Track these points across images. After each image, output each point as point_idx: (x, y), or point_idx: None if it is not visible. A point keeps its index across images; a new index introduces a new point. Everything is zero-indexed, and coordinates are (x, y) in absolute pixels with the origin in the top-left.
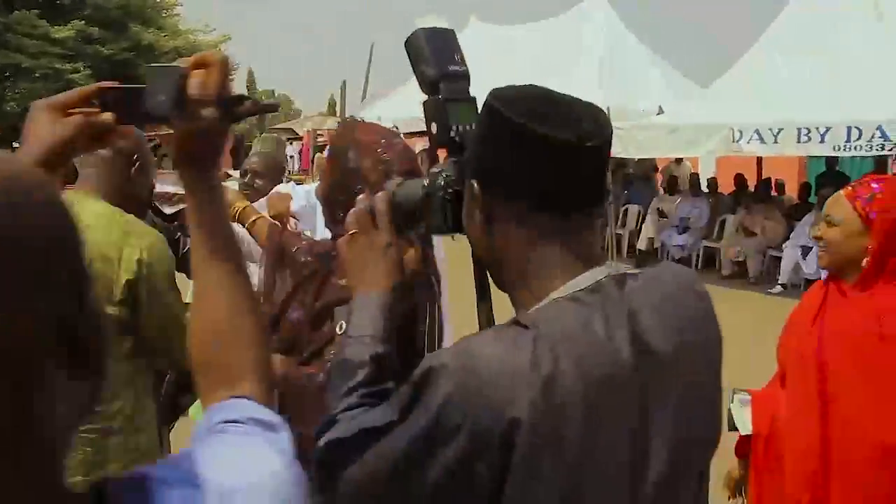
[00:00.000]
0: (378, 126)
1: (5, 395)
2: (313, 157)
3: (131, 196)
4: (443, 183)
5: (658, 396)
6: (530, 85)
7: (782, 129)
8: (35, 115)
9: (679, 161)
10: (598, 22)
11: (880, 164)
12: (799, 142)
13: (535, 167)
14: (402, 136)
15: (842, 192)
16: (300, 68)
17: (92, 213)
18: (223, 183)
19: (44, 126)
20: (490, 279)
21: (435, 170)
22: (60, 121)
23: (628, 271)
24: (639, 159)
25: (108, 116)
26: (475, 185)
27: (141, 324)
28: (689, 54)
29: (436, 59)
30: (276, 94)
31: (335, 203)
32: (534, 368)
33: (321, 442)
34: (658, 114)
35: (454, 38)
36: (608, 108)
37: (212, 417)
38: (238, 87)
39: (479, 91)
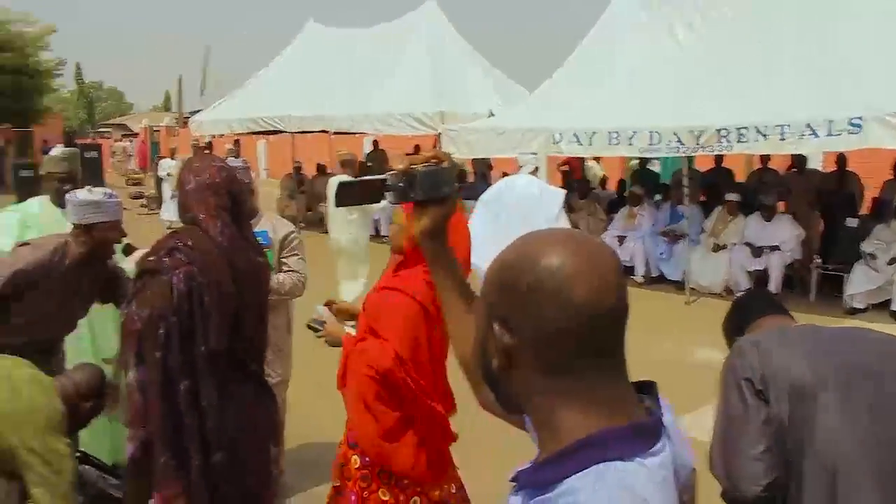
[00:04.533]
0: (212, 157)
1: None
2: (151, 154)
3: None
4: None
5: None
6: None
7: (595, 132)
8: None
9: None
10: (432, 28)
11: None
12: (610, 144)
13: None
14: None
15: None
16: (132, 62)
17: None
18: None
19: None
20: None
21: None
22: None
23: None
24: (475, 159)
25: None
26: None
27: None
28: (517, 60)
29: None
30: (105, 87)
31: (181, 207)
32: None
33: None
34: (489, 116)
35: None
36: (442, 112)
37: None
38: (67, 81)
39: (318, 88)
